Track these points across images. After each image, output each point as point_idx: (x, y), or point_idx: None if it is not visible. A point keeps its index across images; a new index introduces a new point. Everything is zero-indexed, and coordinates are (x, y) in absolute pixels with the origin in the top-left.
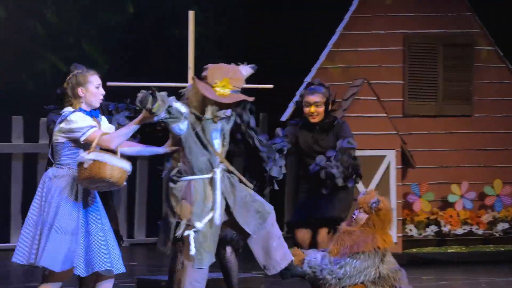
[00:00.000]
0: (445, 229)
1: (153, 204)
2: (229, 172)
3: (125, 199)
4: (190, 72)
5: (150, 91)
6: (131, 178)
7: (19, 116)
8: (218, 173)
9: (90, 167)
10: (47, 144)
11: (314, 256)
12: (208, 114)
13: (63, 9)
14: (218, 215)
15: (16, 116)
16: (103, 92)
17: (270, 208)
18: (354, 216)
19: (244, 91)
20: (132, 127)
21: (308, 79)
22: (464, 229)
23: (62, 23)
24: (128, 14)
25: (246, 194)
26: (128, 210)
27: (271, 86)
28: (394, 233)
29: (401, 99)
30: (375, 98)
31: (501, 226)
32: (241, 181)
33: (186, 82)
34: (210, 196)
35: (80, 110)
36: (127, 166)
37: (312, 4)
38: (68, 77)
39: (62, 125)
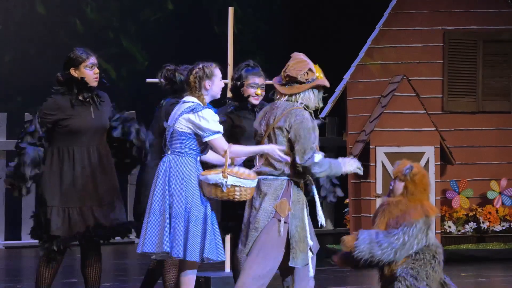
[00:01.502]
0: (484, 225)
1: None
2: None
3: None
4: (229, 69)
5: None
6: None
7: None
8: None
9: (228, 191)
10: None
11: (366, 235)
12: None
13: (102, 6)
14: (320, 218)
15: None
16: (223, 84)
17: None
18: (391, 187)
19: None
20: (259, 149)
21: (347, 75)
22: (503, 226)
23: (101, 19)
24: (168, 11)
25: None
26: None
27: None
28: (432, 230)
29: (441, 96)
30: (414, 94)
31: None
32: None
33: (226, 78)
34: (302, 200)
35: (209, 106)
36: (254, 182)
37: (352, 1)
38: (194, 70)
39: (192, 117)
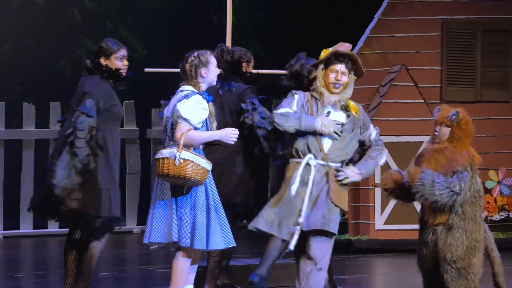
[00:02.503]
0: (482, 215)
1: None
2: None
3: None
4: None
5: None
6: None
7: (57, 102)
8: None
9: (180, 165)
10: None
11: (430, 172)
12: None
13: None
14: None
15: (54, 102)
16: (218, 71)
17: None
18: (436, 133)
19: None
20: (211, 135)
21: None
22: (501, 216)
23: (100, 9)
24: (166, 1)
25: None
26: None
27: None
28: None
29: (439, 85)
30: (413, 84)
31: None
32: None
33: None
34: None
35: (204, 93)
36: (210, 166)
37: None
38: (189, 58)
39: (180, 103)
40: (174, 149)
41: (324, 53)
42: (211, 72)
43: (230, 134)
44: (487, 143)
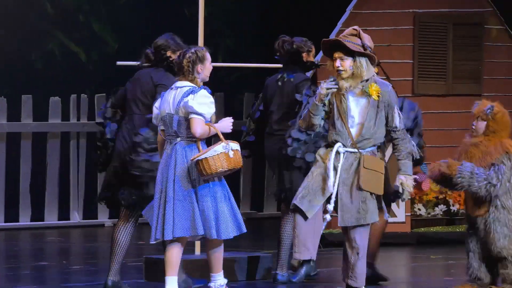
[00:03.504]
0: (454, 208)
1: None
2: None
3: None
4: None
5: None
6: None
7: (28, 95)
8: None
9: (234, 156)
10: (57, 123)
11: (469, 165)
12: None
13: None
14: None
15: (25, 95)
16: (211, 68)
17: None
18: (473, 127)
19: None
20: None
21: (318, 58)
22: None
23: (72, 2)
24: None
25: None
26: None
27: (281, 65)
28: (402, 212)
29: (411, 79)
30: (385, 77)
31: None
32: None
33: None
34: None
35: (203, 87)
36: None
37: None
38: (187, 54)
39: (188, 99)
40: (222, 144)
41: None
42: (206, 69)
43: (229, 124)
44: (459, 136)
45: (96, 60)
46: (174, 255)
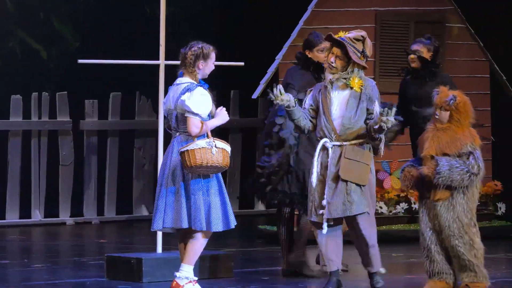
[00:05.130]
0: (415, 206)
1: (123, 182)
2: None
3: (95, 177)
4: (162, 50)
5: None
6: (102, 155)
7: None
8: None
9: (216, 154)
10: (18, 121)
11: (444, 161)
12: None
13: None
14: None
15: None
16: (214, 67)
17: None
18: (437, 117)
19: (215, 68)
20: (216, 123)
21: (279, 56)
22: (403, 207)
23: (32, 0)
24: None
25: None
26: (98, 187)
27: (242, 63)
28: None
29: (372, 77)
30: None
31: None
32: None
33: (158, 59)
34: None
35: (201, 83)
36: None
37: None
38: (193, 47)
39: (185, 97)
40: (207, 139)
41: (339, 35)
42: (207, 67)
43: (225, 114)
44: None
45: (56, 57)
46: (194, 245)
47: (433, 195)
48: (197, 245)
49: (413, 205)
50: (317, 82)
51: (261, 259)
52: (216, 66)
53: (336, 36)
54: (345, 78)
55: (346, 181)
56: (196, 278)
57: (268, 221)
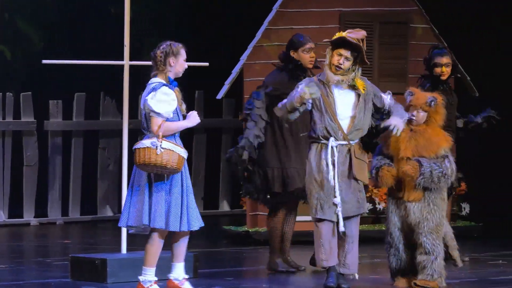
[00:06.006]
0: (380, 206)
1: (87, 182)
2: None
3: (59, 177)
4: (126, 50)
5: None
6: (67, 156)
7: None
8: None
9: (161, 154)
10: None
11: (426, 163)
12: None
13: None
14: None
15: None
16: (186, 66)
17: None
18: (414, 118)
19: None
20: (185, 124)
21: (244, 57)
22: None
23: None
24: None
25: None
26: (62, 188)
27: (206, 64)
28: None
29: None
30: (311, 75)
31: None
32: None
33: (122, 60)
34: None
35: (171, 81)
36: (186, 154)
37: None
38: (162, 46)
39: (150, 96)
40: (155, 139)
41: (338, 36)
42: (179, 64)
43: (195, 117)
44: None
45: (21, 58)
46: (151, 246)
47: (406, 195)
48: (154, 245)
49: (377, 205)
50: (294, 81)
51: (226, 260)
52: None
53: (353, 40)
54: (349, 79)
55: (357, 180)
56: (156, 279)
57: (233, 221)
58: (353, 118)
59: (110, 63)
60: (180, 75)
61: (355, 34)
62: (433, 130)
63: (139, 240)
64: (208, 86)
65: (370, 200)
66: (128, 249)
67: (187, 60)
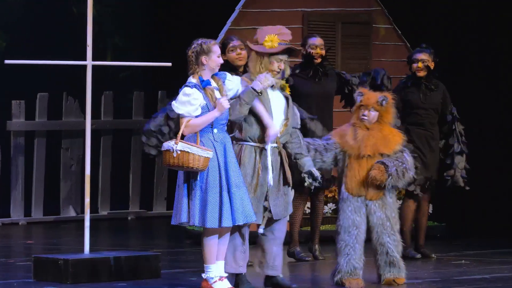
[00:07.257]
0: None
1: (50, 183)
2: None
3: (22, 178)
4: (89, 50)
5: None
6: (29, 155)
7: None
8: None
9: (178, 156)
10: None
11: (391, 163)
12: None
13: None
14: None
15: None
16: (222, 61)
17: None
18: (365, 117)
19: (142, 69)
20: (213, 115)
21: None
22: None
23: None
24: None
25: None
26: (25, 188)
27: (169, 64)
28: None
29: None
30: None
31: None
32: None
33: (85, 59)
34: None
35: (201, 81)
36: (209, 154)
37: None
38: (193, 45)
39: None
40: (172, 142)
41: (271, 40)
42: (212, 60)
43: (224, 104)
44: None
45: None
46: (202, 245)
47: (367, 194)
48: (205, 243)
49: None
50: None
51: (189, 260)
52: (143, 66)
53: (295, 47)
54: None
55: (285, 184)
56: (220, 275)
57: None
58: (286, 121)
59: (73, 63)
60: (216, 70)
61: (287, 36)
62: (384, 128)
63: (101, 241)
64: (170, 86)
65: (333, 200)
66: (91, 250)
67: (150, 60)
